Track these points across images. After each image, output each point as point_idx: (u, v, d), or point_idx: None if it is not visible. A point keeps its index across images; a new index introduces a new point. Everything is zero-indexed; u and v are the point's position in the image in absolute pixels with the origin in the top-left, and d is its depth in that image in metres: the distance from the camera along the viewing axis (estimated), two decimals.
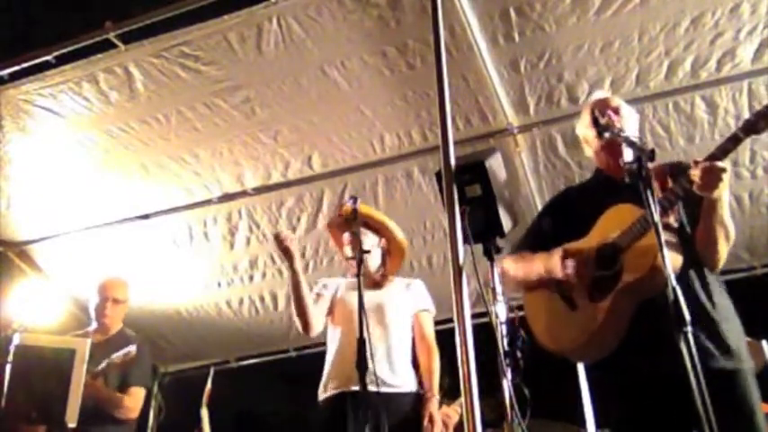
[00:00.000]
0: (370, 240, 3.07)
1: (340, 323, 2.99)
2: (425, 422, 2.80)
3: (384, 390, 2.67)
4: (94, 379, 3.13)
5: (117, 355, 3.15)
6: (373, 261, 3.08)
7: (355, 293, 2.82)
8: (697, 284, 2.07)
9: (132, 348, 3.16)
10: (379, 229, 3.15)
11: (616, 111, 2.26)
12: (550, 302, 2.25)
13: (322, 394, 2.90)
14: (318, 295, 3.06)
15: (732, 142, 1.94)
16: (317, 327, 2.97)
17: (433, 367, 2.95)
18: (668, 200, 2.00)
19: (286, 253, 2.80)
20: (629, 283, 2.03)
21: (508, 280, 2.33)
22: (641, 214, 2.02)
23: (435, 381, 2.92)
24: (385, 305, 2.98)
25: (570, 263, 2.16)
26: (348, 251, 3.04)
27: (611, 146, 2.22)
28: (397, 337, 2.96)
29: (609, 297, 2.08)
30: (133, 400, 3.35)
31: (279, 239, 2.79)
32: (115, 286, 3.59)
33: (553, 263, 2.20)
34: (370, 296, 2.90)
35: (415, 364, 3.03)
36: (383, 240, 3.16)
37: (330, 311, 3.06)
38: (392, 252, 3.18)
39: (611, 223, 2.12)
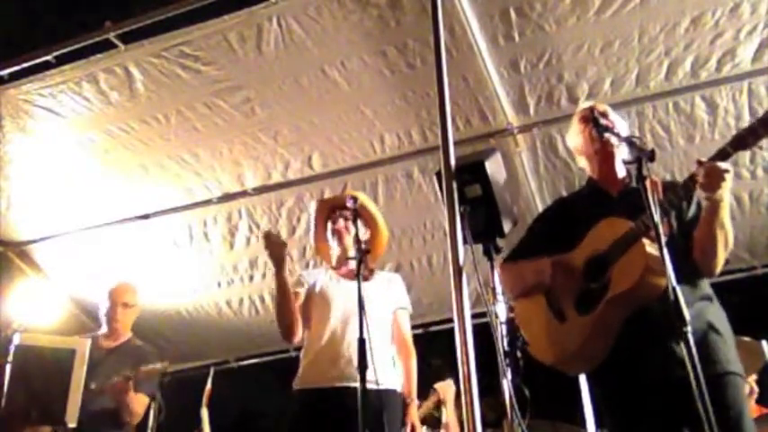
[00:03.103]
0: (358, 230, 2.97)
1: (315, 316, 2.89)
2: (407, 430, 2.77)
3: (369, 387, 2.54)
4: (127, 382, 3.15)
5: (150, 367, 3.20)
6: (352, 252, 2.93)
7: (335, 285, 2.88)
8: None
9: (165, 364, 3.21)
10: (368, 221, 3.08)
11: (604, 115, 2.27)
12: (540, 314, 2.26)
13: (296, 386, 2.83)
14: (296, 294, 2.93)
15: (733, 146, 1.94)
16: (299, 334, 2.89)
17: (412, 369, 2.90)
18: (663, 207, 2.00)
19: (277, 259, 2.67)
20: (618, 296, 2.04)
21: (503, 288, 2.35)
22: (630, 228, 2.03)
23: (414, 383, 2.89)
24: (369, 302, 2.92)
25: (560, 279, 2.18)
26: (330, 239, 2.97)
27: (604, 151, 2.24)
28: (380, 335, 2.88)
29: (597, 309, 2.09)
30: (140, 407, 3.36)
31: (269, 240, 2.64)
32: (125, 291, 3.63)
33: (543, 277, 2.22)
34: (354, 290, 2.81)
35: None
36: (368, 232, 3.07)
37: (306, 304, 2.94)
38: (375, 246, 3.08)
39: (601, 236, 2.14)
